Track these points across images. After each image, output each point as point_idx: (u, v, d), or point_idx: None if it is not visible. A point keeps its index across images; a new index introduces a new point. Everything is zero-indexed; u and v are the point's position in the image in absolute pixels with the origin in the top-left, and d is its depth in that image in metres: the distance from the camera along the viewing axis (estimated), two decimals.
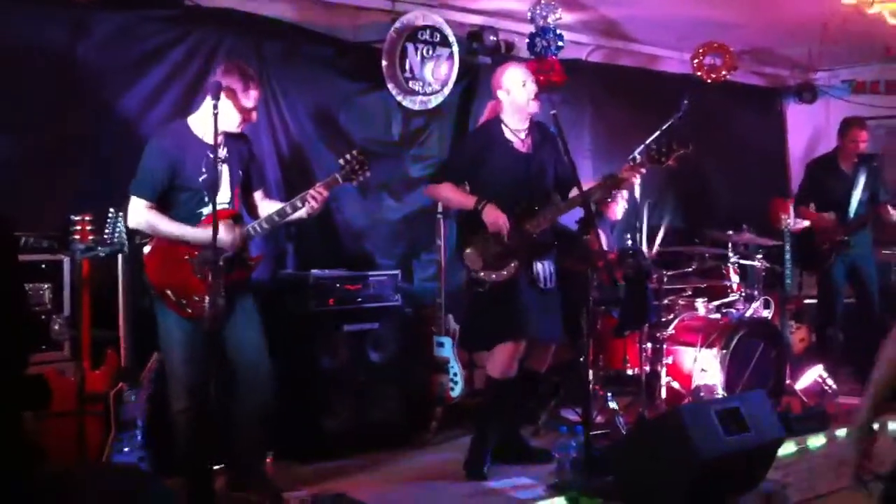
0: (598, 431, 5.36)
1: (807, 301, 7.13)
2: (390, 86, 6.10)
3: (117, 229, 4.23)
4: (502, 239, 4.76)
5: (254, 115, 4.39)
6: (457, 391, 5.63)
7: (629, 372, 5.97)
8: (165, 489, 3.40)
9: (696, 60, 7.52)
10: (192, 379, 4.20)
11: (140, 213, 4.20)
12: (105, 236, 4.22)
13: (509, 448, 5.15)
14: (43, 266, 4.41)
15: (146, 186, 4.21)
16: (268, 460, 4.71)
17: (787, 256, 6.32)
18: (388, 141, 6.28)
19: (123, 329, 4.31)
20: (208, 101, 4.18)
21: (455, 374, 5.63)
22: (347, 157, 4.43)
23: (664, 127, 5.62)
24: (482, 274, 4.81)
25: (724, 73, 7.51)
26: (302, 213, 4.39)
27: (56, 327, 4.34)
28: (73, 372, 4.24)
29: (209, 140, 4.16)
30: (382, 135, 6.25)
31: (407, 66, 6.12)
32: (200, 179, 4.21)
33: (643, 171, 4.77)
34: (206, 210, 4.21)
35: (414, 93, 6.20)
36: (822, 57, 8.51)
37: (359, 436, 5.35)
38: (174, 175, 4.22)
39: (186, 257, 4.21)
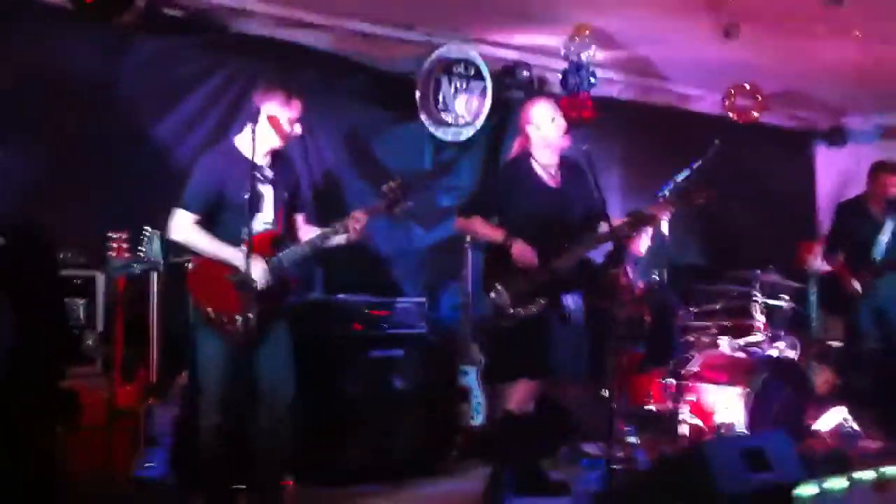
0: (619, 466, 5.35)
1: (832, 343, 7.12)
2: (423, 117, 6.19)
3: (153, 247, 4.30)
4: (530, 275, 4.77)
5: (298, 127, 4.42)
6: (479, 420, 5.67)
7: (651, 408, 5.97)
8: None
9: (727, 101, 7.57)
10: (226, 396, 4.23)
11: (185, 227, 4.23)
12: (140, 254, 4.30)
13: (529, 480, 5.15)
14: (77, 282, 4.50)
15: (195, 201, 4.24)
16: (289, 484, 4.74)
17: (813, 298, 6.33)
18: (420, 171, 6.36)
19: (156, 346, 4.38)
20: (251, 125, 4.25)
21: (478, 404, 5.67)
22: (391, 184, 4.46)
23: (693, 165, 5.66)
24: (510, 310, 4.79)
25: (754, 114, 7.55)
26: (341, 239, 4.43)
27: (89, 342, 4.42)
28: (105, 387, 4.31)
29: (255, 159, 4.25)
30: (414, 165, 6.34)
31: (440, 99, 6.23)
32: (245, 198, 4.21)
33: (672, 209, 4.80)
34: (247, 228, 4.21)
35: (446, 125, 6.29)
36: (853, 101, 8.55)
37: (380, 462, 5.36)
38: (221, 192, 4.27)
39: (228, 276, 4.22)
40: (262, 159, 4.32)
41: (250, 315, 4.08)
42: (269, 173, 4.37)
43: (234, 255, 4.19)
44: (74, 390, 4.24)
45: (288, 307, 4.61)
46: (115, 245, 4.28)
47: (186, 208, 4.24)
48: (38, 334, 4.02)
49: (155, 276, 4.39)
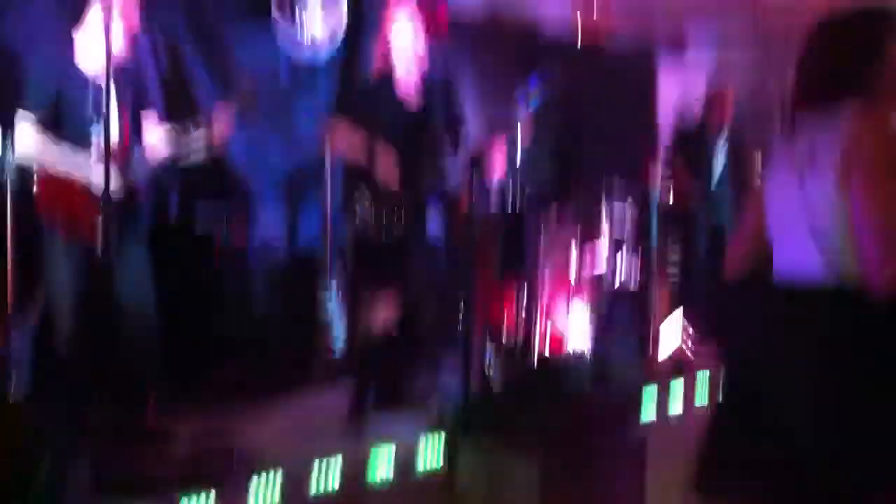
0: (475, 381, 5.56)
1: (672, 255, 7.50)
2: (280, 28, 6.05)
3: (6, 157, 4.10)
4: (391, 188, 4.85)
5: (135, 21, 4.29)
6: (341, 339, 5.76)
7: (505, 325, 6.19)
8: None
9: (577, 16, 7.70)
10: (83, 312, 4.18)
11: (28, 133, 4.08)
12: None
13: (390, 396, 5.30)
14: None
15: (33, 103, 4.09)
16: (151, 402, 4.71)
17: (654, 211, 6.64)
18: (277, 87, 6.25)
19: (12, 259, 4.21)
20: (92, 16, 4.15)
21: (339, 324, 5.76)
22: (242, 87, 4.45)
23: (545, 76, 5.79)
24: (370, 226, 4.89)
25: (604, 30, 7.72)
26: (199, 141, 4.35)
27: None
28: None
29: (94, 61, 4.12)
30: (271, 80, 6.20)
31: (297, 12, 6.09)
32: (87, 101, 4.10)
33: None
34: (95, 133, 4.12)
35: (303, 40, 6.17)
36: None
37: (245, 382, 5.37)
38: (60, 94, 4.11)
39: (79, 185, 4.11)
40: (104, 58, 4.03)
41: (107, 227, 3.97)
42: (112, 72, 4.09)
43: (83, 163, 4.08)
44: None
45: (143, 221, 4.52)
46: None
47: (25, 110, 4.07)
48: None
49: (9, 185, 4.15)
